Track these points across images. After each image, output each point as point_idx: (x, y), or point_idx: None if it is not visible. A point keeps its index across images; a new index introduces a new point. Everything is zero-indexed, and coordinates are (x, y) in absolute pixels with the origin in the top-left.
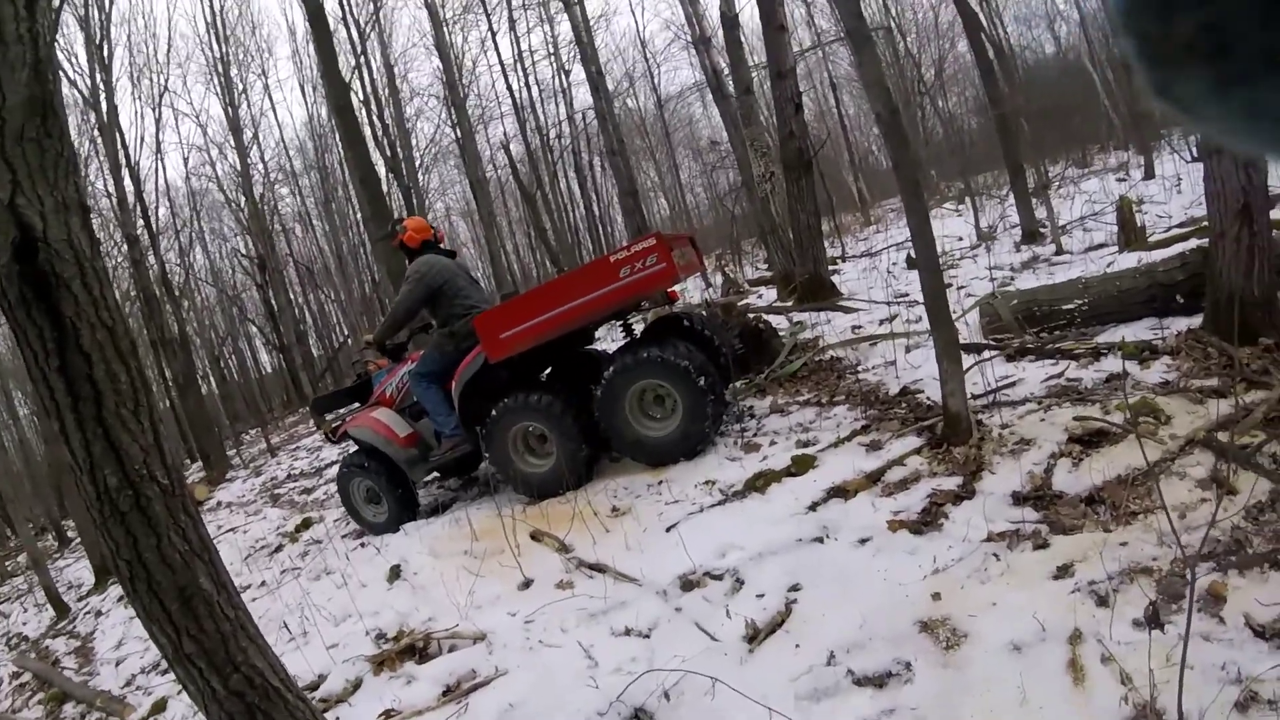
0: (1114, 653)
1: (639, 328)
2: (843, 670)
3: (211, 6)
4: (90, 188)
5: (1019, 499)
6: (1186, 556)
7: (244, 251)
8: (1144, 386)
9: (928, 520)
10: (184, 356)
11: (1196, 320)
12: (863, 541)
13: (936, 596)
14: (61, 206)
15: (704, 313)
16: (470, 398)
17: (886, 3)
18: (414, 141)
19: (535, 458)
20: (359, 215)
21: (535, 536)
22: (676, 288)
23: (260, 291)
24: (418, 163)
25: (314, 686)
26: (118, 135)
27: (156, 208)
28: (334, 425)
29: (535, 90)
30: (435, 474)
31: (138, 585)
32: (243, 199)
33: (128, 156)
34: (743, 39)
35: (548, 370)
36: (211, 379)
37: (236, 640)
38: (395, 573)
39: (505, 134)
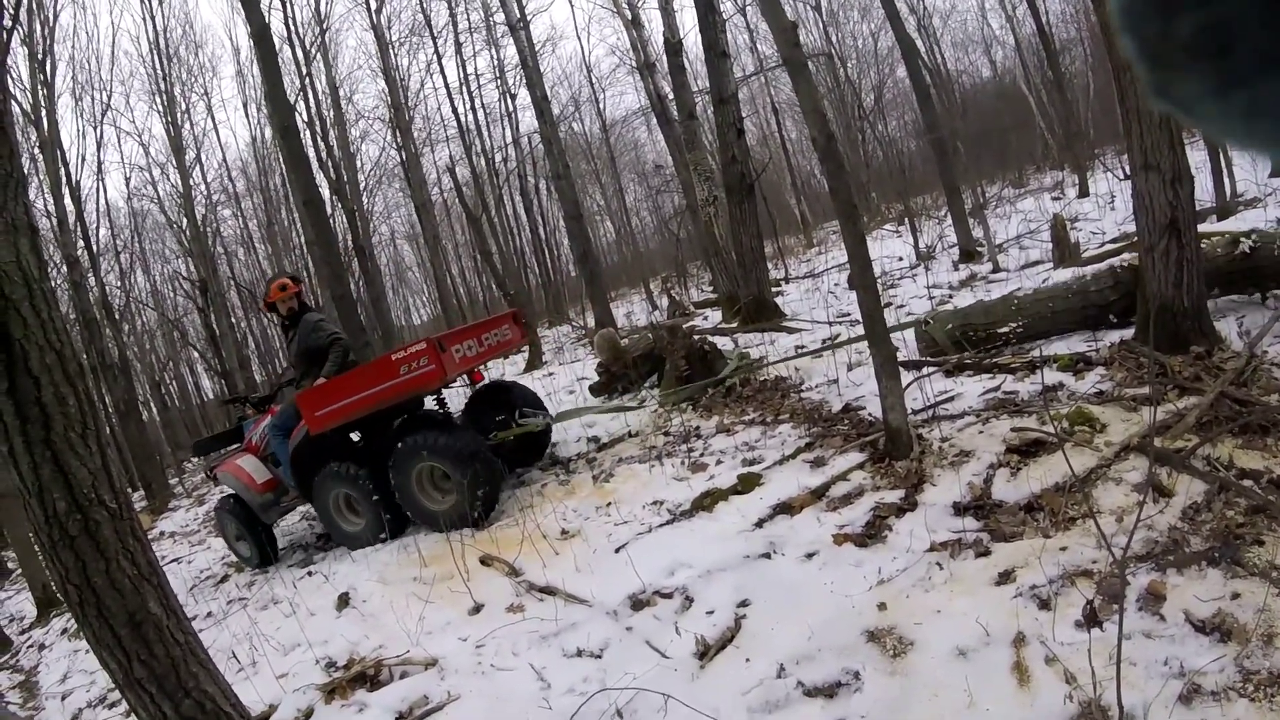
0: (1057, 653)
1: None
2: (793, 682)
3: (154, 24)
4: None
5: (960, 509)
6: (1120, 558)
7: (185, 274)
8: (1079, 397)
9: (872, 533)
10: (125, 382)
11: (1129, 332)
12: (809, 556)
13: (882, 607)
14: (10, 228)
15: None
16: (300, 459)
17: (827, 29)
18: (359, 164)
19: (353, 516)
20: (303, 239)
21: (485, 561)
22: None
23: (202, 315)
24: (362, 185)
25: (265, 717)
26: (59, 153)
27: (97, 229)
28: (211, 466)
29: (481, 114)
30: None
31: (87, 610)
32: (184, 220)
33: (68, 176)
34: (686, 65)
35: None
36: (152, 405)
37: (187, 665)
38: (344, 600)
39: (451, 157)
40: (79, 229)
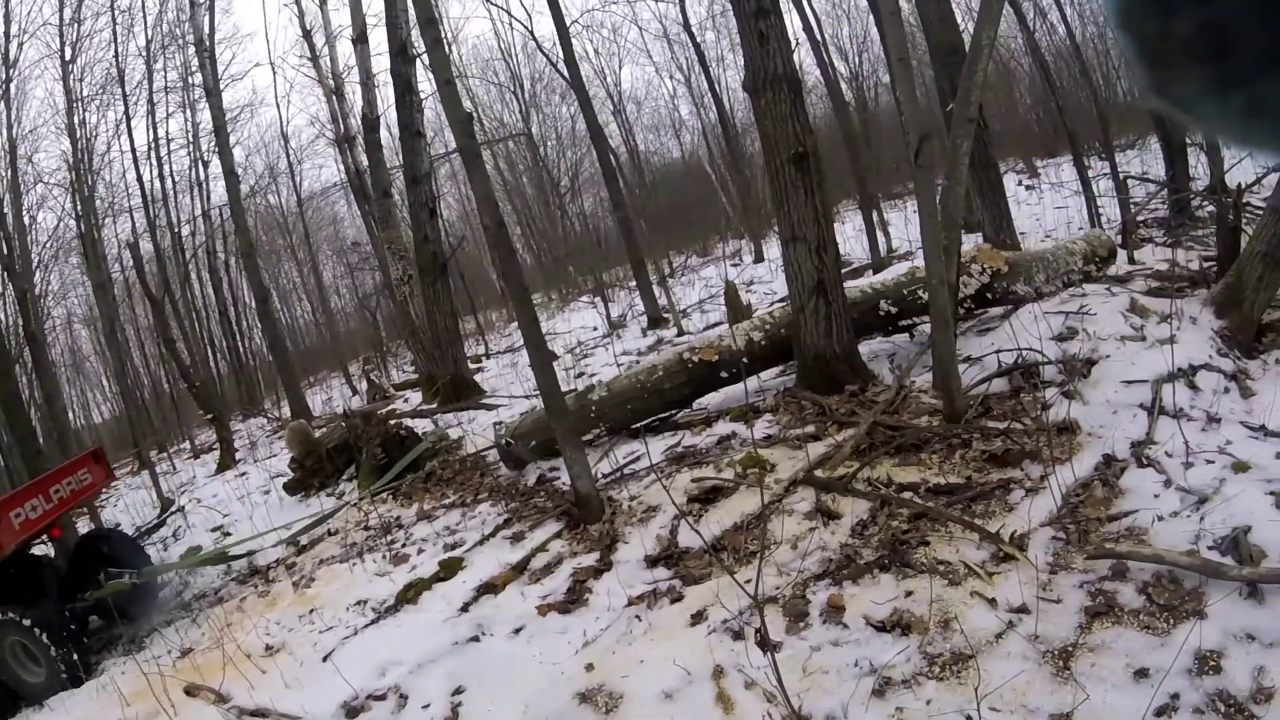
0: (754, 678)
1: None
2: None
3: None
4: None
5: (651, 561)
6: (753, 595)
7: None
8: (750, 443)
9: (573, 599)
10: None
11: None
12: (516, 631)
13: (590, 667)
14: None
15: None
16: None
17: (528, 110)
18: (34, 236)
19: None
20: None
21: (190, 691)
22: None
23: None
24: (36, 261)
25: None
26: None
27: None
28: None
29: (170, 182)
30: None
31: None
32: None
33: None
34: (385, 141)
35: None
36: None
37: None
38: None
39: (134, 229)
40: None
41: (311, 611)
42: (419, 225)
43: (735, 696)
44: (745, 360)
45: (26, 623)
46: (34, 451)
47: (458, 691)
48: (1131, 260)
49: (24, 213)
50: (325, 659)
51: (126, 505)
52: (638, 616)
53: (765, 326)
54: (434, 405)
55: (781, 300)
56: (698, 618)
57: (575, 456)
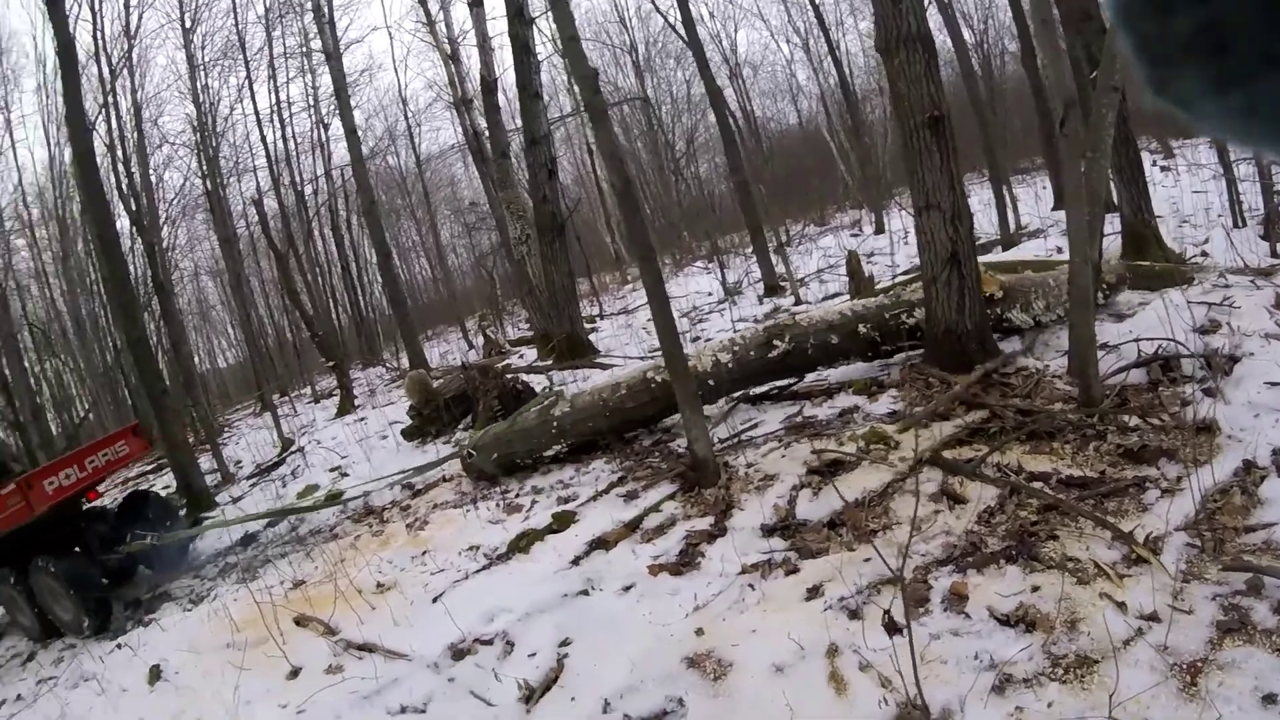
0: (870, 660)
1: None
2: (619, 716)
3: None
4: None
5: (767, 531)
6: (893, 569)
7: None
8: (874, 418)
9: (686, 561)
10: None
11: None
12: (626, 589)
13: (700, 632)
14: None
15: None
16: None
17: (643, 75)
18: (161, 194)
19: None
20: (99, 274)
21: (299, 622)
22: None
23: None
24: (164, 217)
25: None
26: None
27: None
28: None
29: (292, 143)
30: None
31: None
32: None
33: None
34: (503, 103)
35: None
36: None
37: None
38: (155, 674)
39: (259, 187)
40: None
41: (424, 553)
42: (537, 186)
43: (849, 677)
44: (711, 383)
45: (53, 570)
46: (159, 392)
47: (564, 643)
48: (1275, 253)
49: (150, 172)
50: (435, 600)
51: (249, 444)
52: (751, 585)
53: (734, 348)
54: (549, 362)
55: (905, 273)
56: (813, 592)
57: (694, 419)
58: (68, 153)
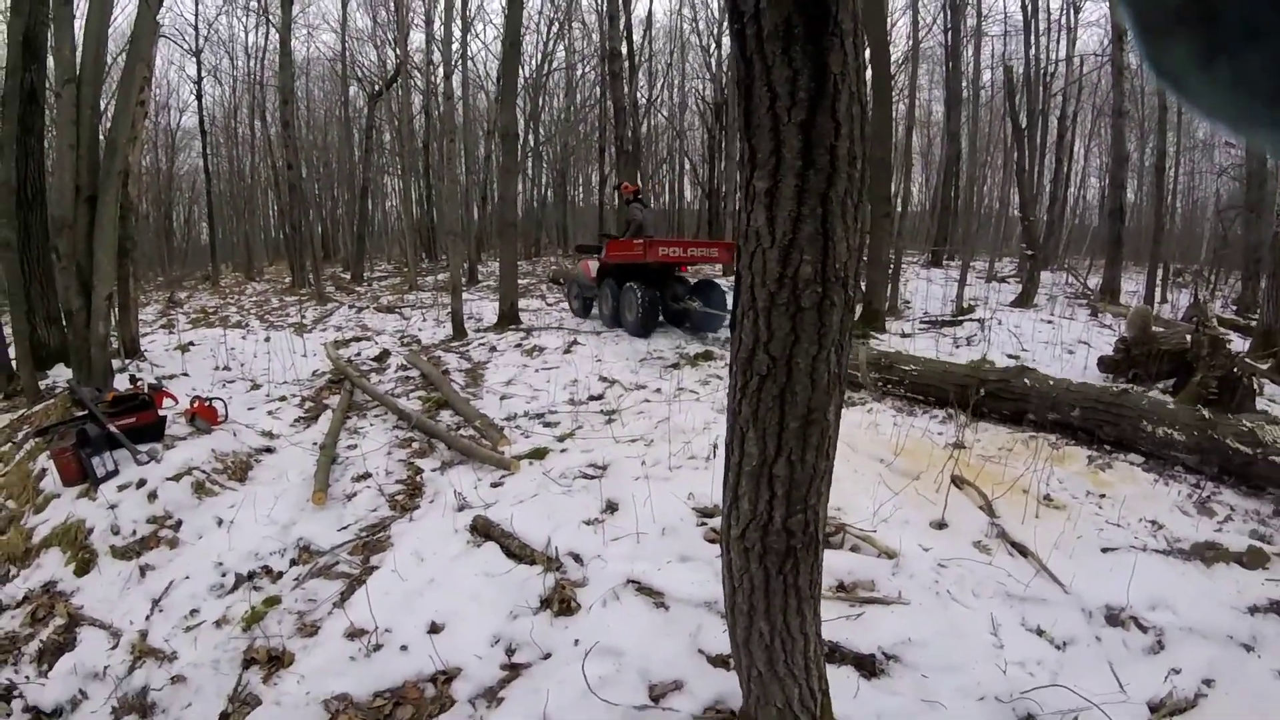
0: None
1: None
2: None
3: None
4: None
5: None
6: None
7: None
8: None
9: None
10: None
11: None
12: None
13: None
14: None
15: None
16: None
17: None
18: None
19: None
20: None
21: (958, 482)
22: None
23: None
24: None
25: None
26: None
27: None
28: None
29: (1042, 16)
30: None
31: (768, 385)
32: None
33: None
34: None
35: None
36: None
37: (815, 484)
38: None
39: (994, 53)
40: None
41: (1101, 495)
42: None
43: None
44: None
45: (637, 292)
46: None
47: (1208, 682)
48: None
49: None
50: (1105, 552)
51: (916, 291)
52: None
53: None
54: (1262, 367)
55: None
56: None
57: None
58: None
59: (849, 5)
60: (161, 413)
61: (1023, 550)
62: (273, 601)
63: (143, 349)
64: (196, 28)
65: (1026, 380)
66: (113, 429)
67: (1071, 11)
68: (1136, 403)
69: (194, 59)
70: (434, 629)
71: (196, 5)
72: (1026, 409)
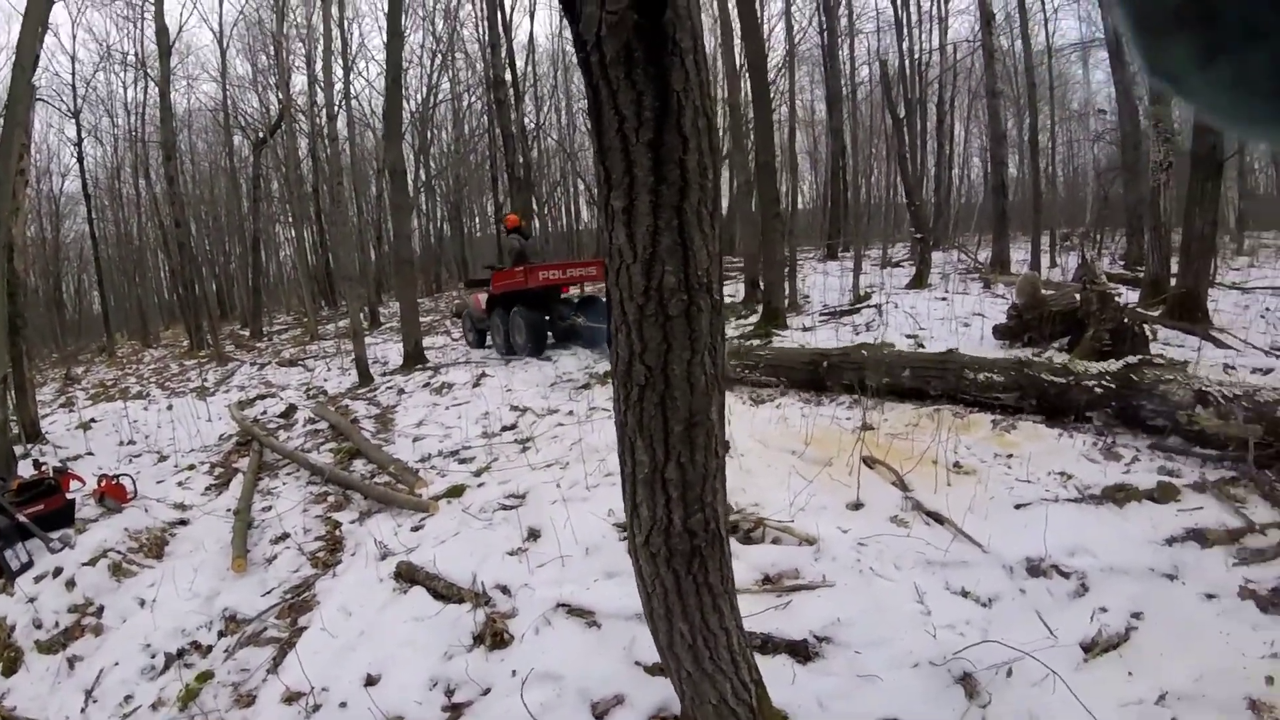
0: None
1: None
2: (1167, 716)
3: None
4: None
5: None
6: None
7: None
8: None
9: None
10: (526, 195)
11: None
12: (1209, 597)
13: (1270, 680)
14: None
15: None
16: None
17: None
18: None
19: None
20: None
21: (869, 462)
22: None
23: None
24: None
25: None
26: None
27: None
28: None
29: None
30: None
31: (648, 393)
32: None
33: (503, 8)
34: None
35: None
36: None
37: (709, 483)
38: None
39: (869, 49)
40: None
41: (1009, 456)
42: None
43: None
44: None
45: (523, 315)
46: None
47: (1136, 615)
48: None
49: None
50: (1018, 508)
51: (815, 285)
52: None
53: None
54: (1153, 314)
55: None
56: None
57: None
58: None
59: (687, 25)
60: (69, 496)
61: (938, 518)
62: (206, 676)
63: (43, 431)
64: (74, 86)
65: (864, 352)
66: (22, 519)
67: (942, 2)
68: (959, 358)
69: (73, 120)
70: (370, 681)
71: (73, 63)
72: (863, 376)
